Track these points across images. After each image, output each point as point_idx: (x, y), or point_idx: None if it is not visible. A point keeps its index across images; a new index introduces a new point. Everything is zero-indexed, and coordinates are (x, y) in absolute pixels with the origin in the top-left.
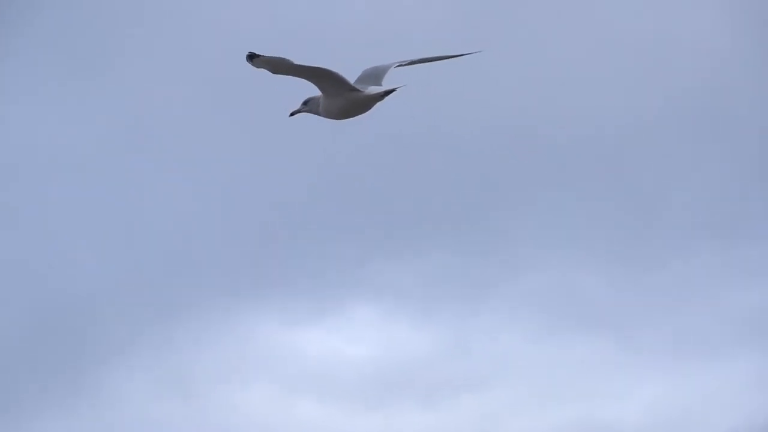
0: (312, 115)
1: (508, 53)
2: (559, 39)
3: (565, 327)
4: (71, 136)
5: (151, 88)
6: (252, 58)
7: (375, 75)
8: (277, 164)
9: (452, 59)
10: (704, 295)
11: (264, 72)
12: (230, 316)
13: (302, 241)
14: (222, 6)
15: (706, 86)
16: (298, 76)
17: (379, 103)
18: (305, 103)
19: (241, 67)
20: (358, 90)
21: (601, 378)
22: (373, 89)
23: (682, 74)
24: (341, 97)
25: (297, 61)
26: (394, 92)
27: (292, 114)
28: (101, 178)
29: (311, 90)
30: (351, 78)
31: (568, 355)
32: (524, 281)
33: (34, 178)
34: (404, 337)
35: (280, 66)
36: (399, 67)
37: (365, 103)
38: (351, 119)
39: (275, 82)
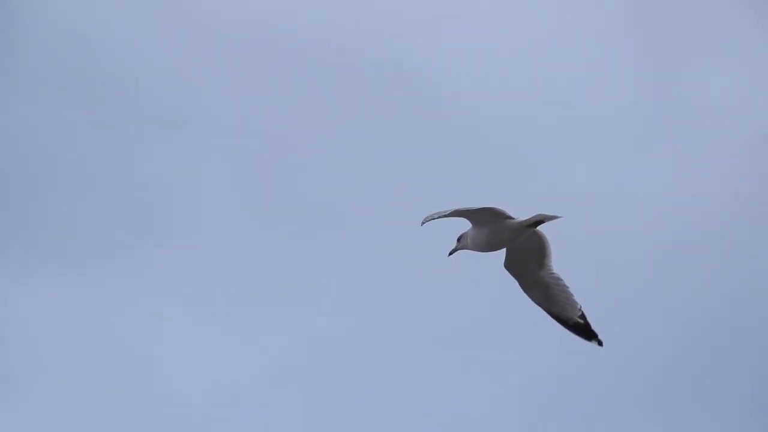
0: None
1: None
2: None
3: None
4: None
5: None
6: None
7: None
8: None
9: None
10: None
11: None
12: None
13: None
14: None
15: None
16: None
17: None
18: (459, 239)
19: None
20: (512, 218)
21: None
22: (525, 217)
23: None
24: (491, 226)
25: (464, 207)
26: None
27: (450, 254)
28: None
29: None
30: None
31: None
32: None
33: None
34: None
35: (450, 215)
36: None
37: (515, 233)
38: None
39: None
